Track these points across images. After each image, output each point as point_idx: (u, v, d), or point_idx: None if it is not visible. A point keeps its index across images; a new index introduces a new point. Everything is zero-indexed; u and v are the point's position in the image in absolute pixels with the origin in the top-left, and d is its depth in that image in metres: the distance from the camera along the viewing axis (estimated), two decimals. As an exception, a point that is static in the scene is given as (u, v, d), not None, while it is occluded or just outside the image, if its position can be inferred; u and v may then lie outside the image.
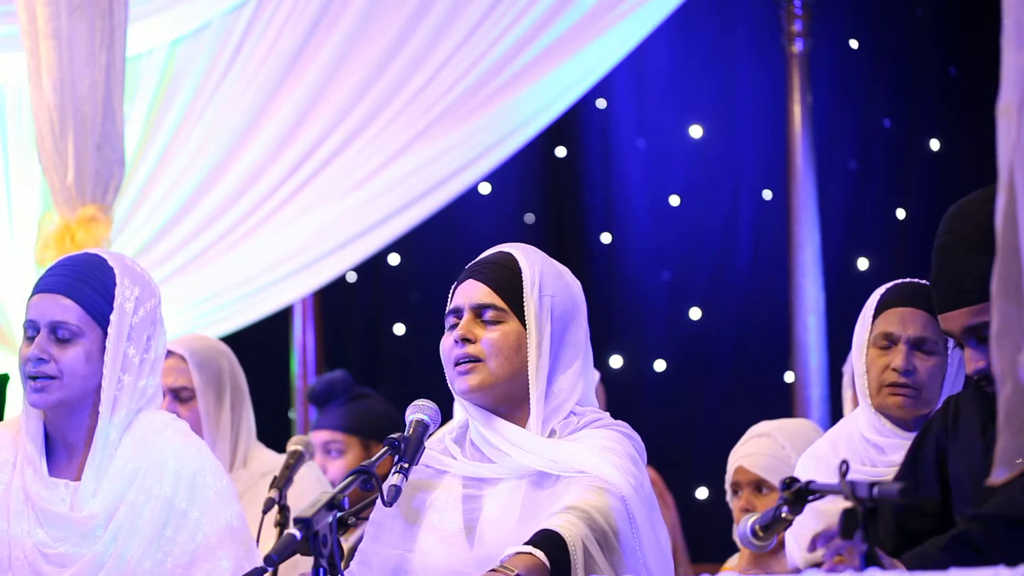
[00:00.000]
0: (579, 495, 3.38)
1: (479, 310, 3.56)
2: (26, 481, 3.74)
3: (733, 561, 4.97)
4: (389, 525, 3.59)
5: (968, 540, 3.23)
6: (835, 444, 4.29)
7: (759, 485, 4.70)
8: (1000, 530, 3.21)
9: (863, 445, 4.23)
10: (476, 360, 3.53)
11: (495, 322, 3.55)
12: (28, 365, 3.72)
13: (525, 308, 3.54)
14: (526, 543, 3.29)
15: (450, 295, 3.64)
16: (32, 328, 3.75)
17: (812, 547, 3.09)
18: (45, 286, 3.77)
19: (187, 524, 3.73)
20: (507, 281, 3.56)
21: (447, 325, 3.60)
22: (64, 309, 3.72)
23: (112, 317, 3.73)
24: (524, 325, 3.54)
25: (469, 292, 3.58)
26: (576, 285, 3.64)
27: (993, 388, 3.29)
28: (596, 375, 3.79)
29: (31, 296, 3.78)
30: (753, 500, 4.69)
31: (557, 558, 3.27)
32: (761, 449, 4.72)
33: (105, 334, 3.73)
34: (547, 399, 3.54)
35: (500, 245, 3.66)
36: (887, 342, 4.20)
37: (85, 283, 3.75)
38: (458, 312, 3.58)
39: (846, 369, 5.37)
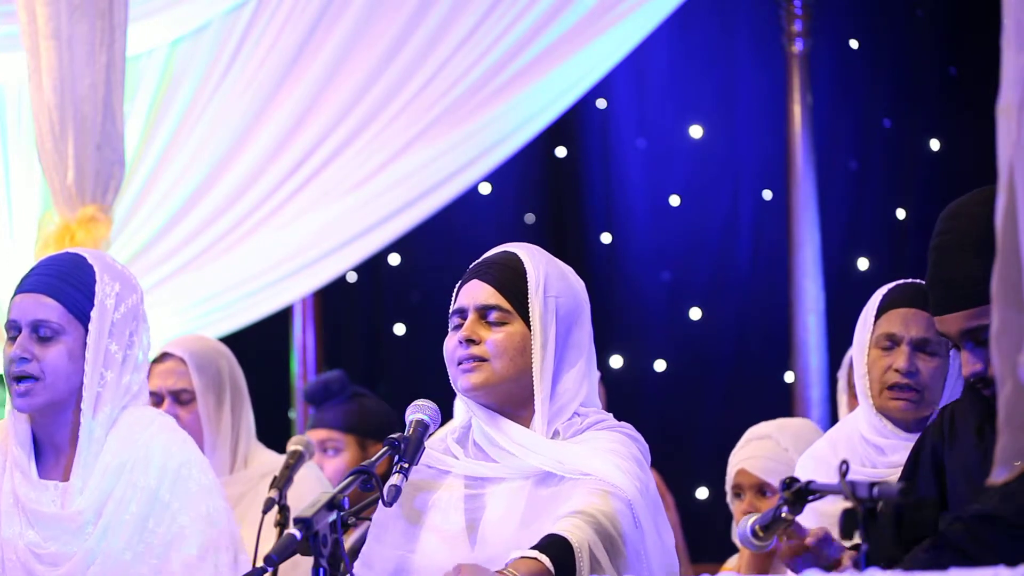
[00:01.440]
0: (585, 499, 3.37)
1: (484, 311, 3.54)
2: (15, 484, 3.75)
3: (733, 561, 4.97)
4: (391, 525, 3.58)
5: (949, 542, 3.21)
6: (835, 445, 4.28)
7: (762, 488, 4.68)
8: (984, 529, 3.19)
9: (863, 446, 4.22)
10: (480, 360, 3.52)
11: (500, 323, 3.53)
12: (12, 366, 3.73)
13: (530, 309, 3.53)
14: (532, 548, 3.28)
15: (454, 295, 3.62)
16: (14, 328, 3.75)
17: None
18: (26, 286, 3.77)
19: (167, 515, 3.74)
20: (512, 282, 3.54)
21: (451, 325, 3.58)
22: (45, 308, 3.72)
23: (92, 313, 3.74)
24: (528, 326, 3.53)
25: (474, 293, 3.56)
26: (580, 285, 3.62)
27: (990, 391, 3.29)
28: (596, 375, 3.78)
29: (13, 297, 3.79)
30: (756, 503, 4.68)
31: (563, 563, 3.26)
32: (762, 451, 4.71)
33: (87, 332, 3.73)
34: (552, 400, 3.53)
35: (504, 245, 3.64)
36: (889, 343, 4.18)
37: (65, 282, 3.75)
38: (462, 312, 3.56)
39: (841, 374, 5.36)
